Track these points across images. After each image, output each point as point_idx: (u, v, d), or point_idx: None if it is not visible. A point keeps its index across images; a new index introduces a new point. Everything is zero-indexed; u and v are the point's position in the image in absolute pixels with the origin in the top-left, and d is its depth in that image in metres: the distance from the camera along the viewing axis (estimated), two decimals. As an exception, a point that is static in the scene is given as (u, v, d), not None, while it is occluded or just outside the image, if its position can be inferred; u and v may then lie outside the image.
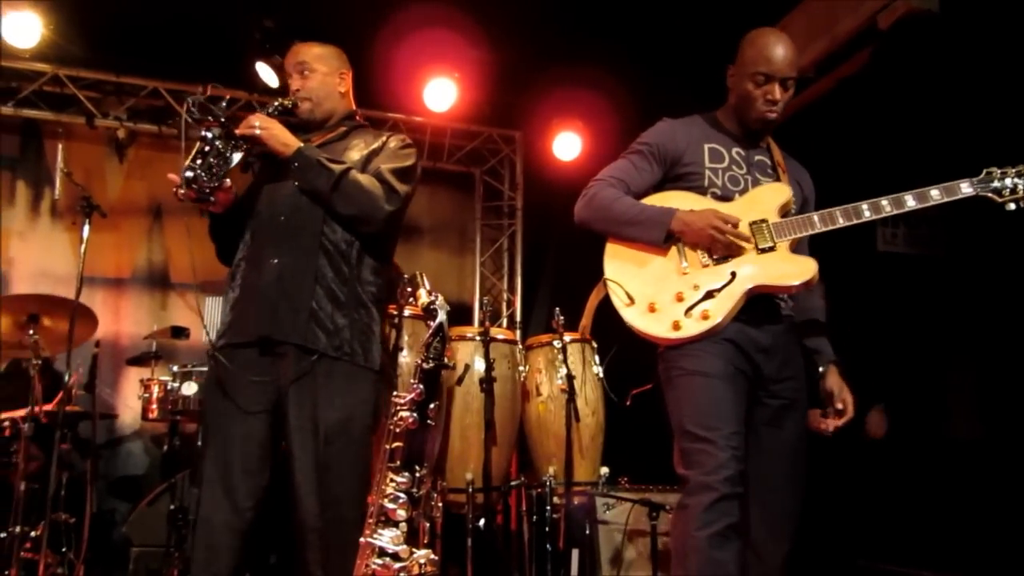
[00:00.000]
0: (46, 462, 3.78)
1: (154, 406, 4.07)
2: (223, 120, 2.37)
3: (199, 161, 2.34)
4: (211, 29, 4.87)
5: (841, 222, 2.35)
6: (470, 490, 3.69)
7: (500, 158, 6.51)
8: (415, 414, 1.93)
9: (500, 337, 4.05)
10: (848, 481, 4.04)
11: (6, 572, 3.34)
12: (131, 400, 5.05)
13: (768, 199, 2.42)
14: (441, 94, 5.51)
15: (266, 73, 5.05)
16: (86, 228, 3.77)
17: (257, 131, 2.42)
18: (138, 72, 5.58)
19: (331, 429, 2.35)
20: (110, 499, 5.01)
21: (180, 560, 3.93)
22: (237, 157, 2.41)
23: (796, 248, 2.42)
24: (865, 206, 2.34)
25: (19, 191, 5.54)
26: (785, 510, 2.38)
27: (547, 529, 3.71)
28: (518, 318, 6.32)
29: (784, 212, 2.41)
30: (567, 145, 5.88)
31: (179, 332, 4.39)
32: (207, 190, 2.36)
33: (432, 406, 1.94)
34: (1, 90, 5.45)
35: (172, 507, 4.12)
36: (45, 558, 3.37)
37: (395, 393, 2.00)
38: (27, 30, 5.00)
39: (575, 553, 3.69)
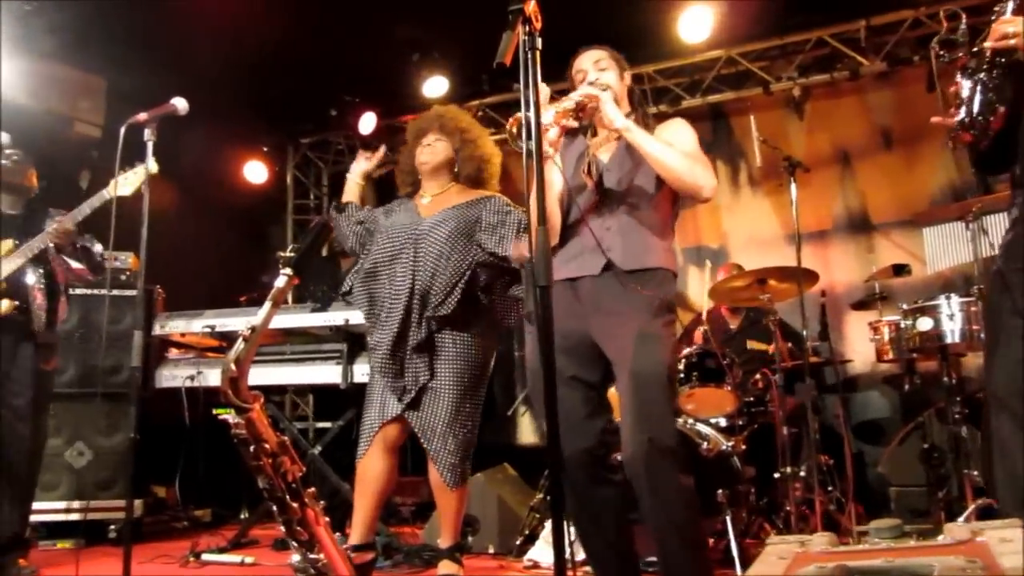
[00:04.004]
0: (799, 408, 4.09)
1: (887, 347, 4.03)
2: (975, 51, 2.11)
3: (975, 102, 2.09)
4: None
5: None
6: None
7: None
8: None
9: None
10: None
11: (787, 509, 3.69)
12: (858, 344, 5.14)
13: None
14: None
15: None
16: (793, 187, 3.92)
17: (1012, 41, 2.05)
18: (798, 29, 5.69)
19: None
20: (856, 441, 5.16)
21: (943, 502, 3.82)
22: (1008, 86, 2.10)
23: None
24: None
25: (719, 170, 6.13)
26: None
27: None
28: None
29: None
30: None
31: (900, 269, 4.29)
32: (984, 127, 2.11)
33: None
34: (687, 85, 6.12)
35: (924, 446, 4.05)
36: (818, 496, 3.61)
37: None
38: (700, 24, 5.53)
39: None
